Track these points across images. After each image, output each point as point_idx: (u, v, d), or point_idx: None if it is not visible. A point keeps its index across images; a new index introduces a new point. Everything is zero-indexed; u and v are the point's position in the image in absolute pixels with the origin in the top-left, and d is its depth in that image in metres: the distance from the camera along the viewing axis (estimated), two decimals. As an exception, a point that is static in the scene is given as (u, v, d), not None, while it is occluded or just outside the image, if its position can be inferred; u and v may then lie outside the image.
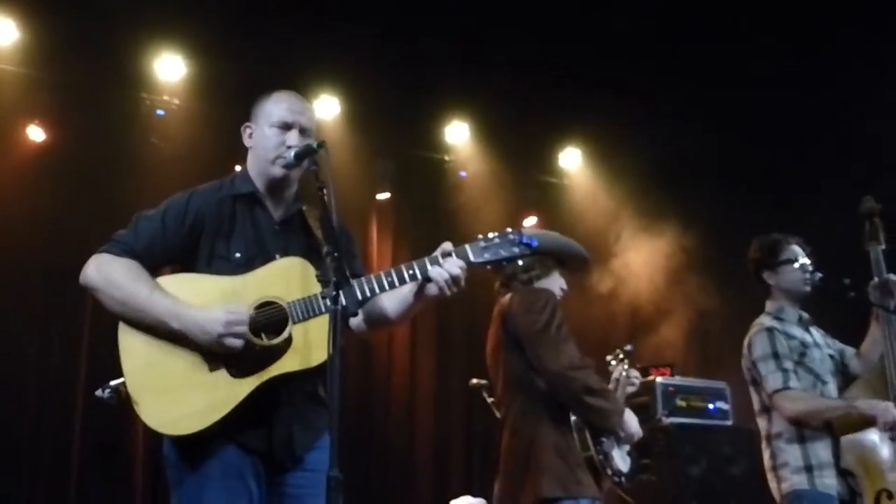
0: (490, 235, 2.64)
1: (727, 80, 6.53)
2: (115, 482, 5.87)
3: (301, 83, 6.33)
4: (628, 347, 4.15)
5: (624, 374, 4.00)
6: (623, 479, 3.63)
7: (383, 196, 7.13)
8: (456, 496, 5.55)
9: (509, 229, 2.65)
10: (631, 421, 3.68)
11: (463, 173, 7.37)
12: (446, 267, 2.57)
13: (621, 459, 3.67)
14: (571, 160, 7.67)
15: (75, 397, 5.79)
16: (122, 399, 2.64)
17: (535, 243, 2.65)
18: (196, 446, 2.62)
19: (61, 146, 6.04)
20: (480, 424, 6.81)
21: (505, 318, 3.73)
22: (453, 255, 2.59)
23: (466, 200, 7.24)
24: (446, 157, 7.34)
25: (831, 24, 6.14)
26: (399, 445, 6.99)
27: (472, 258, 2.61)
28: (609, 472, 3.57)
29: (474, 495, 5.51)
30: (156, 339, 2.61)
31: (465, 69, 6.57)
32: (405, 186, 7.15)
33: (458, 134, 7.26)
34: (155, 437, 2.69)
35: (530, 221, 7.55)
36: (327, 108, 6.73)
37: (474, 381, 5.32)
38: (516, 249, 2.62)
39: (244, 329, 2.56)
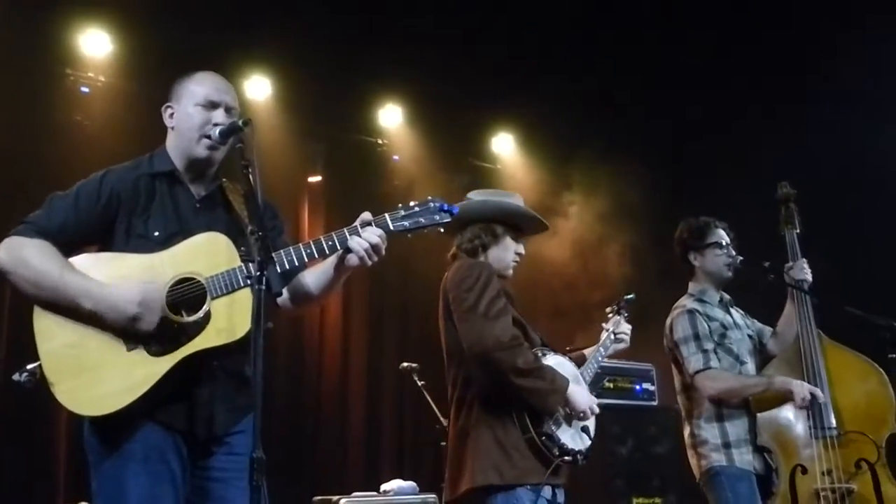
0: (411, 204, 2.66)
1: (653, 71, 6.65)
2: (37, 466, 5.71)
3: (232, 63, 6.24)
4: (629, 296, 3.97)
5: (612, 328, 3.78)
6: (579, 457, 3.32)
7: (315, 179, 7.07)
8: (387, 480, 5.56)
9: (430, 198, 2.67)
10: (577, 396, 3.33)
11: (396, 157, 7.37)
12: (365, 236, 2.59)
13: (574, 437, 3.34)
14: (504, 145, 7.72)
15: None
16: (40, 382, 2.59)
17: (455, 210, 2.67)
18: (116, 427, 2.58)
19: (-21, 123, 5.83)
20: (411, 407, 6.84)
21: (444, 290, 3.55)
22: (372, 224, 2.61)
23: (399, 184, 7.24)
24: (379, 141, 7.32)
25: (753, 21, 6.30)
26: (330, 428, 6.97)
27: (391, 227, 2.63)
28: (556, 452, 3.25)
29: (405, 479, 5.54)
30: (70, 319, 2.57)
31: (398, 53, 6.55)
32: (337, 169, 7.10)
33: (391, 118, 7.25)
34: (78, 420, 2.65)
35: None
36: (258, 88, 6.64)
37: (404, 364, 5.36)
38: (437, 217, 2.64)
39: (159, 307, 2.53)
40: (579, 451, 3.32)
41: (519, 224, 3.58)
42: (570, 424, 3.35)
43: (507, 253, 3.54)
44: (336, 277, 2.74)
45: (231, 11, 6.08)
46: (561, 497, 3.39)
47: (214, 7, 6.05)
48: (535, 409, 3.26)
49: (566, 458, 3.27)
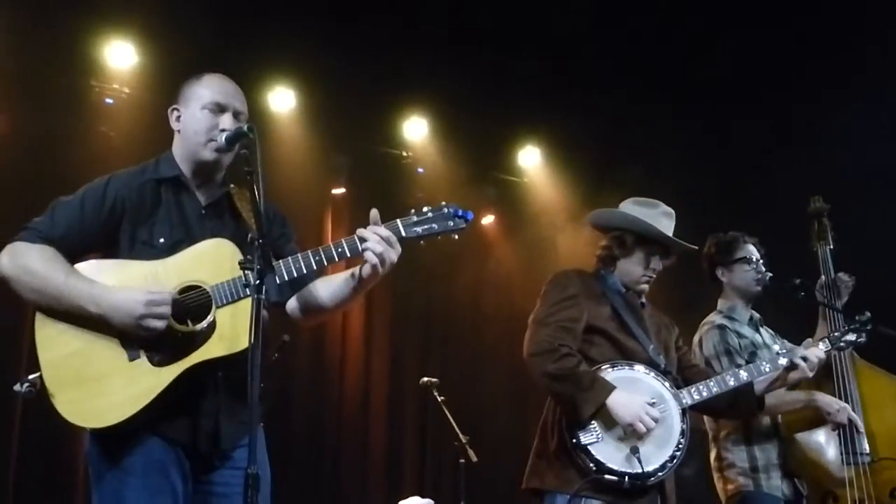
0: (424, 209, 2.58)
1: (685, 84, 6.53)
2: (57, 479, 5.68)
3: (256, 74, 6.24)
4: (864, 317, 3.63)
5: (802, 350, 3.43)
6: (626, 479, 3.09)
7: (339, 191, 7.02)
8: (407, 496, 5.46)
9: (444, 203, 2.58)
10: (619, 407, 3.12)
11: (421, 170, 7.30)
12: (377, 242, 2.50)
13: (616, 455, 3.13)
14: (530, 158, 7.61)
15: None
16: (40, 392, 2.54)
17: (470, 216, 2.58)
18: (117, 440, 2.52)
19: (6, 134, 5.85)
20: (433, 423, 6.74)
21: None
22: (385, 230, 2.52)
23: (424, 197, 7.16)
24: (404, 153, 7.25)
25: (798, 22, 6.17)
26: (351, 444, 6.90)
27: (402, 233, 2.54)
28: (592, 467, 3.11)
29: (424, 496, 5.42)
30: (74, 327, 2.51)
31: (424, 64, 6.49)
32: (361, 182, 7.04)
33: (416, 130, 7.17)
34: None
35: (488, 220, 7.50)
36: (283, 100, 6.61)
37: (424, 379, 5.27)
38: (451, 223, 2.55)
39: (166, 310, 2.46)
40: (626, 473, 3.10)
41: (661, 243, 3.47)
42: (619, 441, 3.15)
43: (636, 267, 3.48)
44: (352, 290, 2.65)
45: (256, 23, 6.08)
46: None
47: (239, 19, 6.05)
48: (569, 416, 3.18)
49: (607, 476, 3.10)
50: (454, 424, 5.00)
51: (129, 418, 2.47)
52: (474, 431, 5.12)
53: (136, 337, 2.48)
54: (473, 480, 5.15)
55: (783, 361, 3.45)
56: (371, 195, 7.01)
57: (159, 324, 2.45)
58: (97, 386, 2.49)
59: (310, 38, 6.19)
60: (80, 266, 2.58)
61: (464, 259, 7.07)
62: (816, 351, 3.48)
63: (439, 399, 5.14)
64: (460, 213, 2.57)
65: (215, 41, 5.93)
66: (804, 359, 3.44)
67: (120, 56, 6.09)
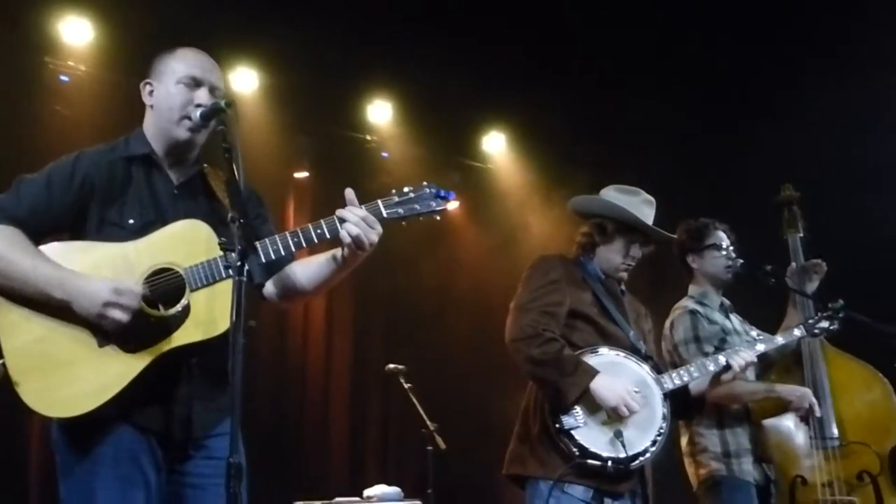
0: (405, 189, 2.53)
1: (650, 70, 6.53)
2: (8, 472, 5.51)
3: (217, 53, 5.95)
4: (838, 303, 3.63)
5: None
6: (609, 464, 3.08)
7: (301, 175, 6.91)
8: (371, 484, 5.41)
9: (425, 183, 2.53)
10: (604, 390, 3.10)
11: (385, 154, 7.21)
12: (356, 223, 2.43)
13: (598, 440, 3.11)
14: (495, 144, 7.58)
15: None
16: (3, 381, 2.42)
17: (451, 196, 2.55)
18: (86, 430, 2.42)
19: (-46, 111, 5.63)
20: (397, 410, 6.68)
21: None
22: (364, 210, 2.46)
23: (388, 182, 7.06)
24: (368, 137, 7.16)
25: (754, 18, 6.20)
26: (313, 431, 6.82)
27: (384, 214, 2.49)
28: (576, 452, 3.10)
29: (389, 484, 5.38)
30: (39, 313, 2.40)
31: (389, 48, 6.40)
32: (325, 165, 6.93)
33: (380, 114, 7.08)
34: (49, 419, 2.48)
35: (452, 205, 7.44)
36: (244, 81, 6.45)
37: (391, 365, 5.21)
38: (433, 203, 2.51)
39: (132, 301, 2.35)
40: (610, 458, 3.09)
41: (642, 231, 3.43)
42: (603, 425, 3.13)
43: (615, 255, 3.45)
44: (333, 272, 2.58)
45: (217, 1, 5.91)
46: None
47: (201, -4, 5.88)
48: (552, 401, 3.16)
49: (590, 460, 3.09)
50: (422, 412, 4.94)
51: (98, 408, 2.37)
52: (442, 419, 5.08)
53: (97, 327, 2.38)
54: (441, 468, 5.11)
55: (760, 347, 3.48)
56: (334, 179, 6.90)
57: (123, 316, 2.35)
58: (65, 373, 2.39)
59: (272, 18, 6.05)
60: (45, 248, 2.46)
61: (428, 244, 7.00)
62: (746, 355, 3.40)
63: (406, 386, 5.08)
64: (442, 192, 2.53)
65: (175, 18, 5.75)
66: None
67: (75, 32, 5.88)
